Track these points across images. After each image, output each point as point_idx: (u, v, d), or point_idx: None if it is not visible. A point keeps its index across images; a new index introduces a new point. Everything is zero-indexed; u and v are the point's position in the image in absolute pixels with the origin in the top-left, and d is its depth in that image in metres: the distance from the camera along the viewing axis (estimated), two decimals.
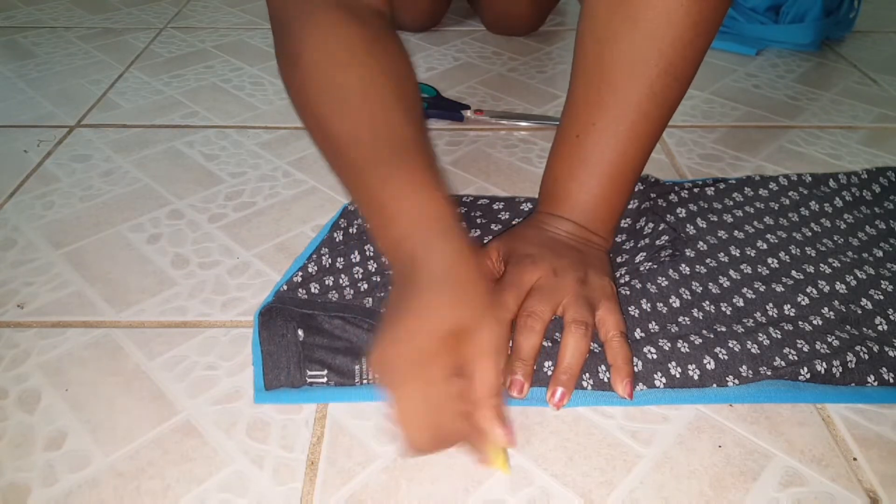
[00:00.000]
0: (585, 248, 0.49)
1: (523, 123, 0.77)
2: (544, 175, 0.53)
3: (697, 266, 0.52)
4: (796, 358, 0.44)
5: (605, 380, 0.43)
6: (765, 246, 0.54)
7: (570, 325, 0.43)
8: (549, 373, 0.43)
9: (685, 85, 0.49)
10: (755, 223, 0.57)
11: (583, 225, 0.50)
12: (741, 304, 0.49)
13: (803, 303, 0.49)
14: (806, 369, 0.44)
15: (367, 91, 0.41)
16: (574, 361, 0.42)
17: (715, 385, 0.44)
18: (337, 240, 0.55)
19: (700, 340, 0.45)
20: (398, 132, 0.40)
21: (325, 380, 0.44)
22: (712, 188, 0.61)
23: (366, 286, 0.50)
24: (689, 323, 0.48)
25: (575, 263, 0.47)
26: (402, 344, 0.35)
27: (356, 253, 0.53)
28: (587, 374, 0.43)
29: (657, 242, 0.53)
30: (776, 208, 0.59)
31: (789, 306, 0.48)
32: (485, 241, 0.56)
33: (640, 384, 0.43)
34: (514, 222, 0.58)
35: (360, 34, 0.43)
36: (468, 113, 0.78)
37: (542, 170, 0.68)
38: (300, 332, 0.46)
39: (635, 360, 0.44)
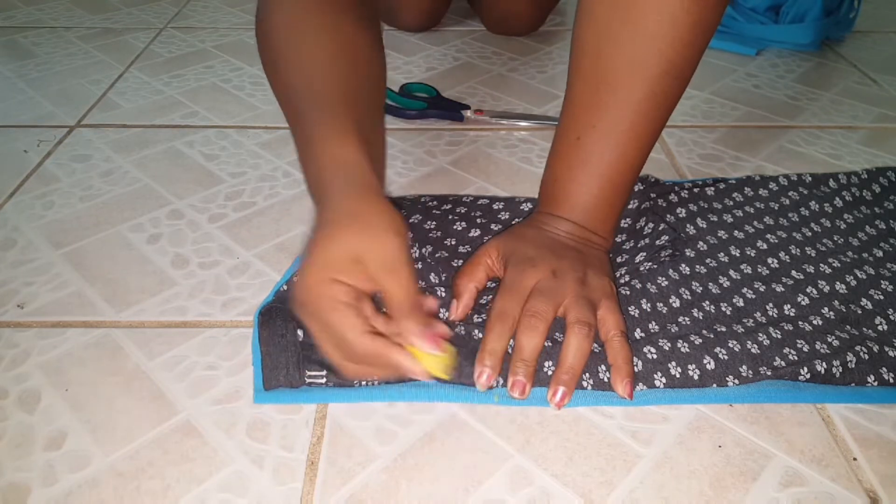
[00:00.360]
0: (585, 249, 0.50)
1: (523, 123, 0.77)
2: (544, 176, 0.53)
3: (697, 266, 0.52)
4: (796, 358, 0.44)
5: (605, 380, 0.43)
6: (765, 246, 0.54)
7: (574, 326, 0.43)
8: (550, 373, 0.43)
9: (684, 84, 0.49)
10: (755, 223, 0.57)
11: (582, 225, 0.50)
12: (741, 304, 0.49)
13: (803, 303, 0.49)
14: (806, 369, 0.44)
15: (327, 52, 0.46)
16: (576, 362, 0.43)
17: (715, 385, 0.44)
18: None
19: (700, 340, 0.45)
20: (342, 88, 0.45)
21: (324, 380, 0.44)
22: (712, 188, 0.62)
23: None
24: (689, 323, 0.48)
25: (574, 264, 0.47)
26: (308, 275, 0.38)
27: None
28: (587, 374, 0.43)
29: (657, 242, 0.53)
30: (776, 208, 0.59)
31: (789, 306, 0.48)
32: (485, 241, 0.56)
33: (640, 384, 0.43)
34: (514, 222, 0.58)
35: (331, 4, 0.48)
36: (468, 113, 0.78)
37: (542, 170, 0.69)
38: (300, 333, 0.46)
39: (635, 359, 0.44)
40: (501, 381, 0.43)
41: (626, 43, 0.46)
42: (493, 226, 0.57)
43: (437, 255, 0.53)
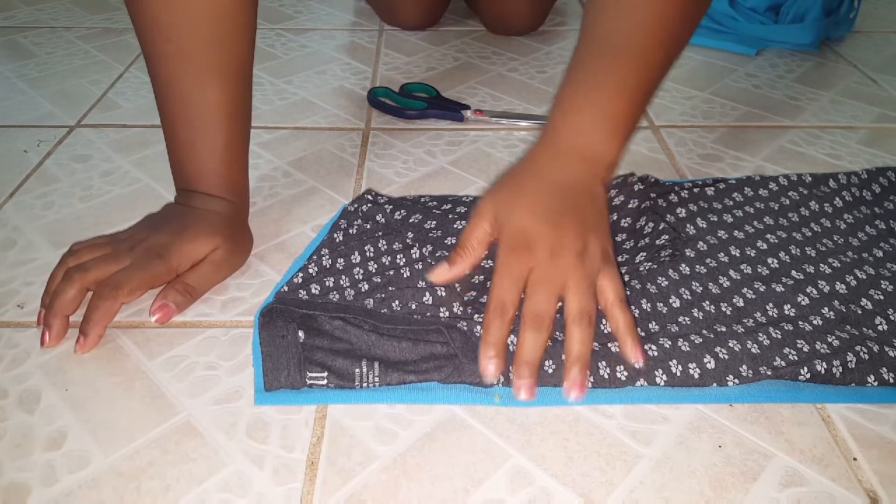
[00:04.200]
0: (587, 195, 0.48)
1: (523, 123, 0.77)
2: (553, 104, 0.52)
3: (697, 266, 0.52)
4: (796, 358, 0.44)
5: (606, 376, 0.43)
6: (765, 246, 0.54)
7: (576, 318, 0.43)
8: (550, 371, 0.43)
9: (690, 28, 0.51)
10: (755, 223, 0.57)
11: (587, 151, 0.49)
12: (741, 304, 0.49)
13: (803, 303, 0.49)
14: (806, 369, 0.44)
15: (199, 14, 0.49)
16: (584, 350, 0.42)
17: (715, 384, 0.44)
18: (337, 240, 0.55)
19: (700, 340, 0.45)
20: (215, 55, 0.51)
21: (324, 382, 0.44)
22: (712, 188, 0.61)
23: (366, 287, 0.50)
24: (689, 323, 0.48)
25: (574, 234, 0.46)
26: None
27: (356, 254, 0.53)
28: (587, 371, 0.43)
29: (657, 242, 0.53)
30: (776, 208, 0.59)
31: (789, 306, 0.48)
32: None
33: (642, 380, 0.43)
34: None
35: None
36: (468, 113, 0.78)
37: None
38: (300, 334, 0.46)
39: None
40: (503, 380, 0.43)
41: (634, 8, 0.48)
42: None
43: (437, 255, 0.53)
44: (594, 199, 0.49)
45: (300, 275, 0.51)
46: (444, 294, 0.49)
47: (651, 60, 0.49)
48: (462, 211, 0.59)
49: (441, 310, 0.48)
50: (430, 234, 0.56)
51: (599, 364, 0.44)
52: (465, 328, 0.46)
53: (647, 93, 0.50)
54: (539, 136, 0.52)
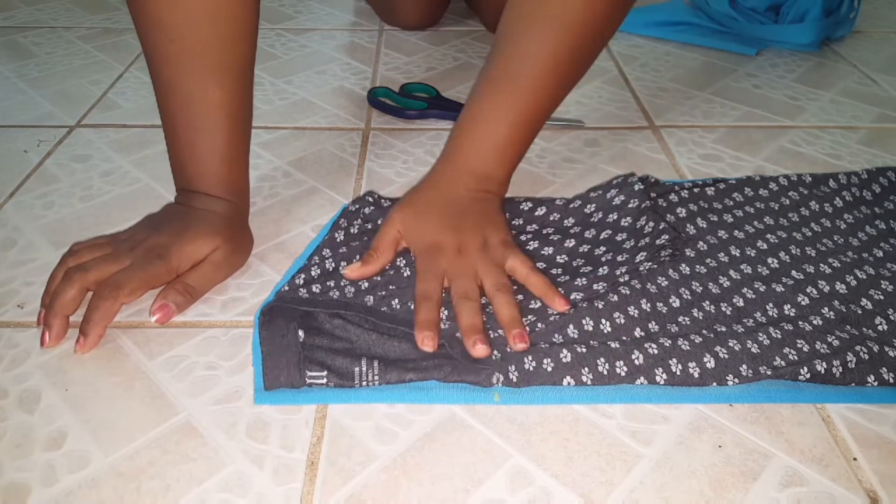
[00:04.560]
0: (481, 202, 0.54)
1: None
2: (451, 136, 0.57)
3: (697, 266, 0.52)
4: (796, 358, 0.44)
5: (605, 372, 0.43)
6: (765, 246, 0.54)
7: (494, 291, 0.48)
8: (549, 370, 0.43)
9: (583, 67, 0.56)
10: (755, 223, 0.57)
11: (481, 172, 0.55)
12: (741, 304, 0.49)
13: (803, 303, 0.49)
14: (806, 369, 0.44)
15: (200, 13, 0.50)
16: (513, 312, 0.47)
17: (715, 384, 0.44)
18: (338, 240, 0.55)
19: (700, 339, 0.45)
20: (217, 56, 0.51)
21: (324, 381, 0.44)
22: (712, 188, 0.61)
23: (366, 284, 0.50)
24: (689, 323, 0.48)
25: (474, 231, 0.52)
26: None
27: (358, 256, 0.53)
28: (586, 369, 0.43)
29: (657, 242, 0.53)
30: (776, 208, 0.59)
31: (789, 306, 0.48)
32: None
33: (642, 377, 0.43)
34: (513, 221, 0.58)
35: None
36: None
37: (542, 170, 0.69)
38: (300, 333, 0.46)
39: (636, 353, 0.44)
40: (502, 379, 0.43)
41: (538, 33, 0.52)
42: None
43: None
44: (489, 204, 0.55)
45: (301, 276, 0.51)
46: (443, 294, 0.49)
47: (542, 91, 0.54)
48: None
49: (441, 310, 0.48)
50: None
51: (598, 361, 0.44)
52: (460, 335, 0.46)
53: (538, 119, 0.56)
54: (440, 158, 0.58)
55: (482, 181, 0.55)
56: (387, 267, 0.52)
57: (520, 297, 0.50)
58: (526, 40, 0.53)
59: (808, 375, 0.44)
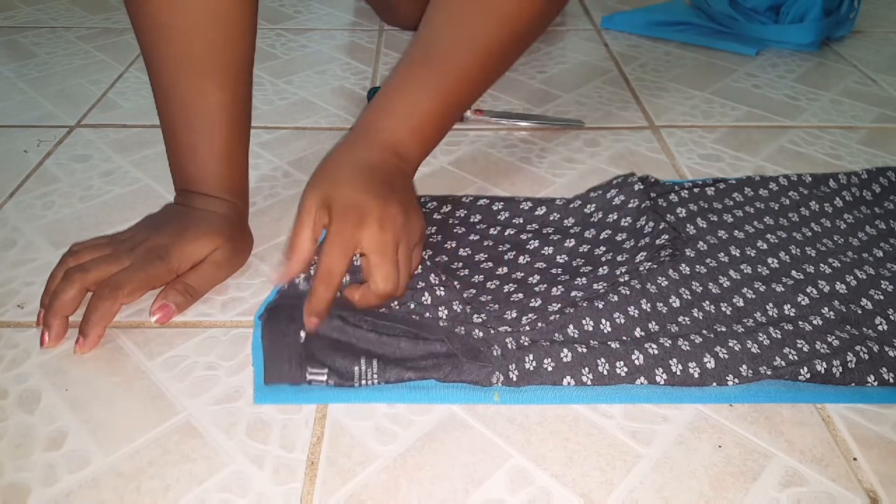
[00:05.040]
0: (400, 180, 0.51)
1: (523, 123, 0.77)
2: (366, 108, 0.55)
3: (697, 266, 0.52)
4: (796, 358, 0.44)
5: (605, 373, 0.43)
6: (765, 246, 0.54)
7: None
8: (550, 369, 0.43)
9: (510, 62, 0.56)
10: (755, 223, 0.57)
11: (396, 149, 0.52)
12: (741, 304, 0.49)
13: (803, 303, 0.49)
14: (806, 369, 0.44)
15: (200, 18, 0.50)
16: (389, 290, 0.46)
17: (715, 384, 0.44)
18: None
19: (700, 339, 0.45)
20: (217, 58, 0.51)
21: (324, 378, 0.44)
22: (712, 188, 0.61)
23: None
24: (689, 323, 0.48)
25: (398, 208, 0.48)
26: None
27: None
28: (586, 369, 0.43)
29: (657, 242, 0.53)
30: (776, 208, 0.59)
31: (789, 306, 0.48)
32: (485, 244, 0.56)
33: (642, 377, 0.43)
34: (513, 221, 0.58)
35: None
36: (468, 113, 0.78)
37: (542, 170, 0.69)
38: (302, 334, 0.46)
39: (636, 353, 0.44)
40: (502, 378, 0.43)
41: (474, 9, 0.51)
42: (491, 229, 0.57)
43: (436, 259, 0.53)
44: (405, 181, 0.52)
45: (302, 275, 0.51)
46: (442, 294, 0.49)
47: (469, 80, 0.53)
48: (461, 214, 0.59)
49: (440, 309, 0.48)
50: (430, 240, 0.56)
51: (598, 361, 0.44)
52: (463, 332, 0.46)
53: (460, 103, 0.54)
54: (352, 130, 0.54)
55: (398, 157, 0.52)
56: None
57: (520, 295, 0.50)
58: (461, 27, 0.52)
59: (808, 375, 0.44)
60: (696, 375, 0.44)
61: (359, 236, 0.46)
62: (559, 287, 0.50)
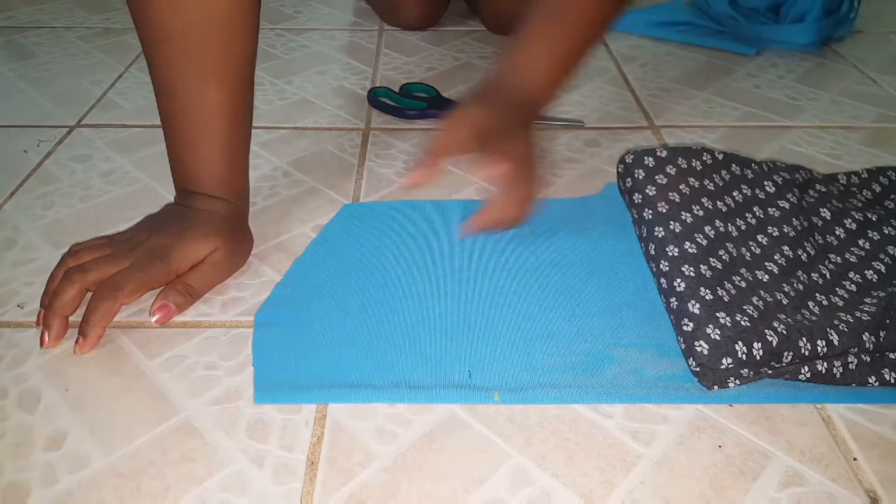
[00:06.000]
0: (531, 115, 0.58)
1: None
2: (511, 54, 0.60)
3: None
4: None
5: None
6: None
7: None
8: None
9: (606, 30, 0.63)
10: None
11: (534, 88, 0.59)
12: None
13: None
14: (806, 368, 0.44)
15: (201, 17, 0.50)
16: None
17: (716, 386, 0.44)
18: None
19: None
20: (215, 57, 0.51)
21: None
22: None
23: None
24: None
25: (527, 140, 0.56)
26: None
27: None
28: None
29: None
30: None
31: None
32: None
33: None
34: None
35: None
36: None
37: (542, 170, 0.68)
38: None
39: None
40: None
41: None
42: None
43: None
44: (536, 109, 0.60)
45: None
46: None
47: (584, 37, 0.60)
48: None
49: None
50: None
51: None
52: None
53: (580, 56, 0.61)
54: (502, 64, 0.61)
55: (531, 97, 0.59)
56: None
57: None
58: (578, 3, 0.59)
59: (808, 375, 0.44)
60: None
61: (506, 146, 0.54)
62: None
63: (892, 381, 0.44)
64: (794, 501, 0.38)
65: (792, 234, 0.54)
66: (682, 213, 0.52)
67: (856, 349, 0.44)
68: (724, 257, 0.50)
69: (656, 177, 0.55)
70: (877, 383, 0.44)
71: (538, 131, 0.58)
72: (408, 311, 0.50)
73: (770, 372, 0.43)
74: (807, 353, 0.43)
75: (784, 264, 0.52)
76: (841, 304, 0.48)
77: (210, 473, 0.39)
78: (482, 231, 0.53)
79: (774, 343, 0.42)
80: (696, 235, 0.50)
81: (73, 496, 0.38)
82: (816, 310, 0.48)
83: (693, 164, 0.56)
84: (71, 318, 0.48)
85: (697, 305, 0.45)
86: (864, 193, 0.61)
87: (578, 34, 0.60)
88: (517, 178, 0.54)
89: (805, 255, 0.53)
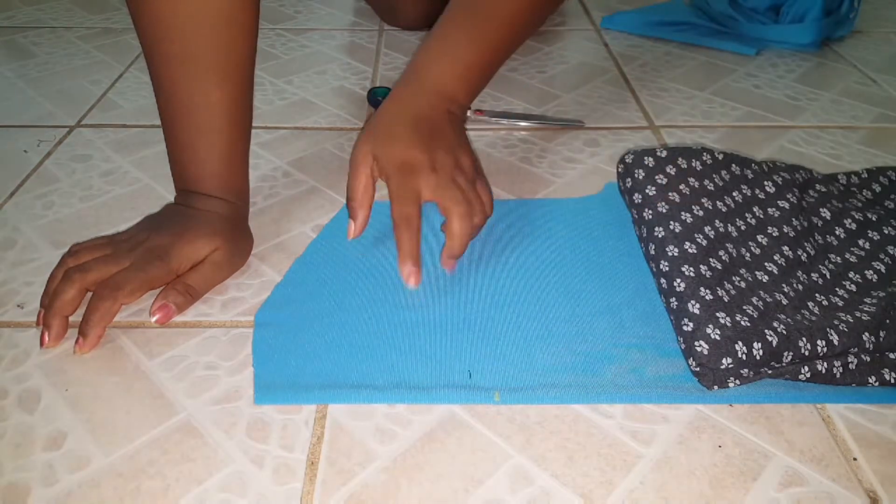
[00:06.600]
0: (450, 124, 0.56)
1: (523, 123, 0.77)
2: (415, 56, 0.59)
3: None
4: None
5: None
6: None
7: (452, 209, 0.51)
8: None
9: (540, 21, 0.63)
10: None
11: (444, 93, 0.56)
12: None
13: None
14: (806, 368, 0.44)
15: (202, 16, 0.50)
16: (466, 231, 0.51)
17: (716, 386, 0.44)
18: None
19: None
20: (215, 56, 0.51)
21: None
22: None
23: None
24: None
25: (445, 152, 0.53)
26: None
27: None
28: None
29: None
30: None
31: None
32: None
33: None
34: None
35: None
36: (468, 113, 0.78)
37: (542, 170, 0.69)
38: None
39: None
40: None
41: None
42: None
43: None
44: (453, 125, 0.56)
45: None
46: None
47: (508, 26, 0.58)
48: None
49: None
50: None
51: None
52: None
53: (499, 57, 0.59)
54: (402, 79, 0.58)
55: (445, 100, 0.56)
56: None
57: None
58: None
59: (808, 375, 0.44)
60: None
61: (418, 186, 0.51)
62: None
63: (892, 381, 0.44)
64: (794, 501, 0.38)
65: (792, 234, 0.54)
66: (682, 213, 0.52)
67: (856, 349, 0.44)
68: (723, 257, 0.50)
69: (656, 177, 0.55)
70: (877, 383, 0.44)
71: (467, 130, 0.57)
72: (408, 311, 0.50)
73: (770, 372, 0.43)
74: (807, 353, 0.43)
75: (784, 264, 0.52)
76: (841, 304, 0.49)
77: (210, 473, 0.39)
78: (460, 256, 0.51)
79: (774, 343, 0.42)
80: (696, 235, 0.50)
81: (73, 496, 0.38)
82: (816, 310, 0.48)
83: (693, 164, 0.56)
84: (71, 318, 0.48)
85: (697, 305, 0.45)
86: (863, 193, 0.61)
87: (497, 28, 0.58)
88: (464, 201, 0.51)
89: (805, 255, 0.53)
